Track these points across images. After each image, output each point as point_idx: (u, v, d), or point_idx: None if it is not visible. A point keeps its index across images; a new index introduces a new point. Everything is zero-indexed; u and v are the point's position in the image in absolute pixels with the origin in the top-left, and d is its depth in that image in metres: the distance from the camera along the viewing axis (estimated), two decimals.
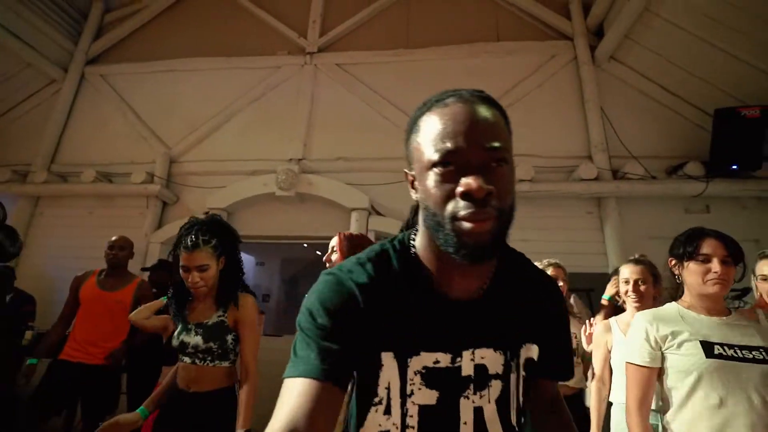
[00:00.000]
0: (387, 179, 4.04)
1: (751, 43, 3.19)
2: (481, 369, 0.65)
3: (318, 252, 1.85)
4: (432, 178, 0.58)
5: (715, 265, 1.26)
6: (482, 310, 0.66)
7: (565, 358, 0.79)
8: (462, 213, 0.54)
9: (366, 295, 0.63)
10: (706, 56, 3.50)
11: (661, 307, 1.40)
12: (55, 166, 4.65)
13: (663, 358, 1.29)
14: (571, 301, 2.71)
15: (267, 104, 4.59)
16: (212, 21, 5.12)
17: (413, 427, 0.63)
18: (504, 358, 0.66)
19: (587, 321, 2.29)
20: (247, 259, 6.68)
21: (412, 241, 0.70)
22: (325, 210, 4.10)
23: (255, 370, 1.62)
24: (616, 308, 2.26)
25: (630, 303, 1.94)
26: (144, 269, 3.38)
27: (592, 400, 1.95)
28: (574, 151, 3.94)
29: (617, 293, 2.11)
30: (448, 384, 0.64)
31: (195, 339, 1.59)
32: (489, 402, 0.65)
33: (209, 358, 1.59)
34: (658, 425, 1.56)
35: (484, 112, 0.59)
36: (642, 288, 1.92)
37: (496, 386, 0.66)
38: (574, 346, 2.28)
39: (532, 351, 0.70)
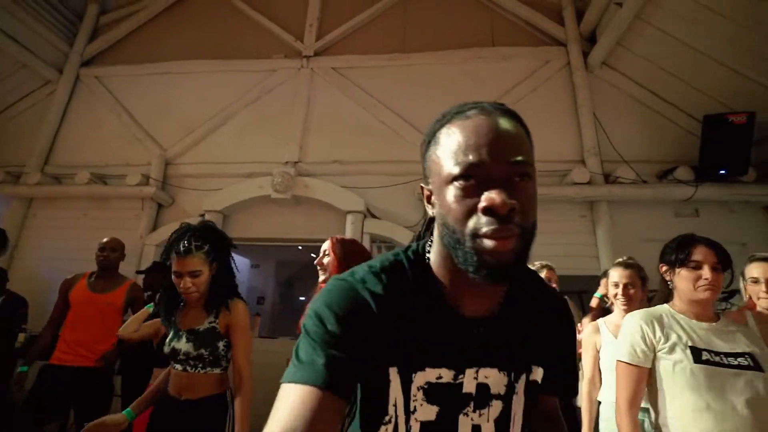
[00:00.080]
0: (382, 182, 4.07)
1: (739, 51, 3.26)
2: (483, 388, 0.63)
3: (313, 255, 1.87)
4: (452, 192, 0.55)
5: (706, 272, 1.29)
6: (492, 329, 0.64)
7: (571, 377, 0.78)
8: (484, 230, 0.51)
9: (380, 306, 0.60)
10: (695, 63, 3.57)
11: (653, 308, 1.42)
12: (48, 167, 4.63)
13: (654, 360, 1.32)
14: None
15: (263, 107, 4.60)
16: (208, 24, 5.14)
17: None
18: (508, 379, 0.65)
19: (578, 325, 2.33)
20: (243, 262, 6.68)
21: (427, 254, 0.67)
22: (321, 213, 4.12)
23: (248, 375, 1.61)
24: (603, 310, 2.30)
25: (619, 306, 1.97)
26: (139, 272, 3.38)
27: (583, 401, 1.98)
28: (567, 156, 3.99)
29: (606, 294, 2.16)
30: (449, 400, 0.62)
31: (186, 346, 1.57)
32: (488, 421, 0.64)
33: (200, 365, 1.57)
34: (644, 420, 1.60)
35: (507, 124, 0.56)
36: (631, 291, 1.96)
37: (496, 406, 0.64)
38: None
39: (537, 374, 0.68)
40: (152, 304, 2.02)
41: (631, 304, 1.94)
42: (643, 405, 1.39)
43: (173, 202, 4.36)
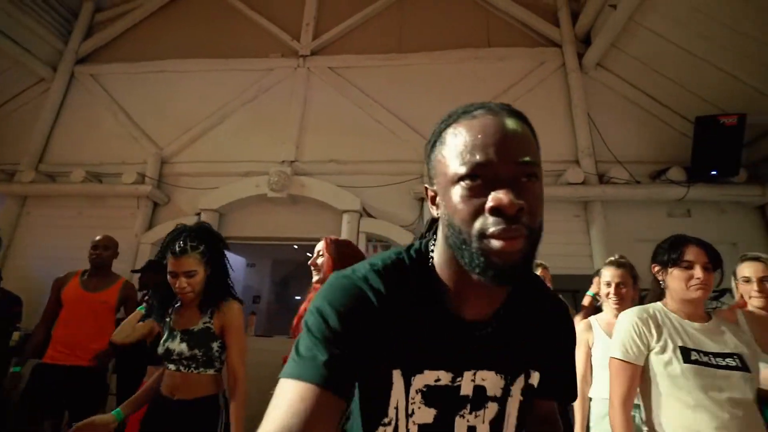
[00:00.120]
0: (378, 182, 4.09)
1: (730, 54, 3.31)
2: (479, 390, 0.63)
3: (309, 254, 1.88)
4: (458, 192, 0.54)
5: (698, 272, 1.32)
6: (492, 332, 0.64)
7: (570, 382, 0.77)
8: (491, 230, 0.50)
9: (382, 304, 0.60)
10: (688, 65, 3.62)
11: (648, 306, 1.45)
12: (43, 165, 4.60)
13: (647, 357, 1.34)
14: None
15: (260, 106, 4.61)
16: (205, 22, 5.12)
17: None
18: (504, 382, 0.65)
19: None
20: (239, 261, 6.67)
21: (430, 253, 0.66)
22: (317, 212, 4.13)
23: (243, 377, 1.61)
24: (595, 309, 2.33)
25: (610, 305, 2.00)
26: (134, 271, 3.36)
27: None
28: (561, 156, 4.03)
29: (598, 293, 2.19)
30: (446, 402, 0.62)
31: (180, 346, 1.58)
32: (483, 422, 0.64)
33: (194, 365, 1.57)
34: (635, 415, 1.63)
35: (514, 125, 0.55)
36: (623, 290, 1.99)
37: (492, 408, 0.64)
38: None
39: (533, 378, 0.67)
40: (144, 306, 2.02)
41: (622, 303, 1.97)
42: (635, 401, 1.42)
43: (169, 200, 4.35)
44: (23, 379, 2.45)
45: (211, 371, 1.61)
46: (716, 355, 1.27)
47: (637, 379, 1.35)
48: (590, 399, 1.97)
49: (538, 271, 2.52)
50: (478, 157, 0.52)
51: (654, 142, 4.00)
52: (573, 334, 0.77)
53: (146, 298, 2.08)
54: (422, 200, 3.94)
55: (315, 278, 1.97)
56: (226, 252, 1.80)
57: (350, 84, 4.54)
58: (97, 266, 2.60)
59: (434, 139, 0.61)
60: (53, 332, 2.50)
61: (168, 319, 1.67)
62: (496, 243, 0.50)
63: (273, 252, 6.76)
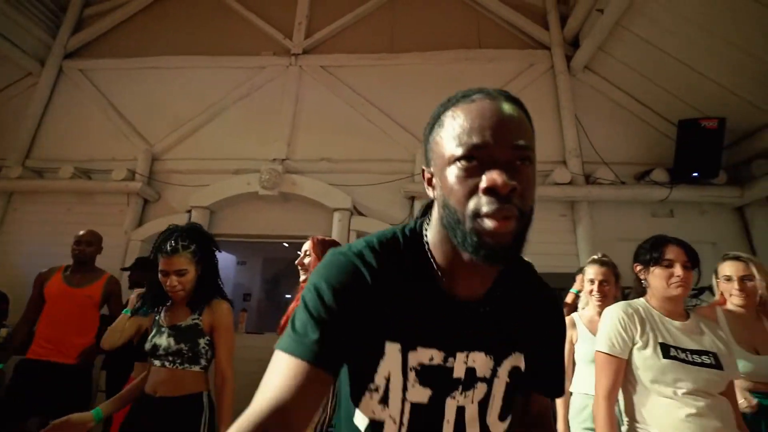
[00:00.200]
0: (369, 180, 4.12)
1: (712, 60, 3.40)
2: (470, 372, 0.64)
3: (299, 252, 1.89)
4: (454, 173, 0.55)
5: (678, 270, 1.38)
6: (482, 313, 0.65)
7: (557, 375, 0.77)
8: (484, 209, 0.52)
9: (375, 280, 0.61)
10: (672, 70, 3.71)
11: (632, 301, 1.50)
12: (30, 161, 4.54)
13: (630, 352, 1.40)
14: None
15: (251, 104, 4.60)
16: (197, 19, 5.09)
17: (404, 424, 0.63)
18: (493, 363, 0.66)
19: None
20: (229, 259, 6.65)
21: (424, 232, 0.68)
22: (308, 210, 4.15)
23: (231, 376, 1.63)
24: (575, 307, 2.40)
25: (593, 302, 2.07)
26: (124, 269, 3.35)
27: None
28: (549, 156, 4.09)
29: (581, 290, 2.25)
30: (441, 384, 0.63)
31: (167, 341, 1.58)
32: (472, 402, 0.65)
33: (179, 361, 1.58)
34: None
35: (510, 109, 0.57)
36: (606, 288, 2.05)
37: (481, 389, 0.65)
38: None
39: (519, 360, 0.68)
40: (128, 309, 2.02)
41: (605, 300, 2.03)
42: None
43: (159, 197, 4.33)
44: (6, 376, 2.44)
45: (196, 368, 1.61)
46: (693, 352, 1.33)
47: (622, 373, 1.40)
48: (582, 395, 2.02)
49: None
50: (474, 139, 0.54)
51: (639, 144, 4.10)
52: (563, 326, 0.77)
53: (140, 296, 2.08)
54: (413, 199, 3.98)
55: (302, 277, 1.99)
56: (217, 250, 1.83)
57: (342, 83, 4.56)
58: (81, 262, 2.58)
59: (433, 122, 0.63)
60: (37, 328, 2.48)
61: (157, 317, 1.68)
62: (489, 223, 0.52)
63: (264, 250, 6.76)
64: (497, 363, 0.66)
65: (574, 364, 2.07)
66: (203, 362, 1.63)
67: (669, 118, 3.98)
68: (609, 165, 3.94)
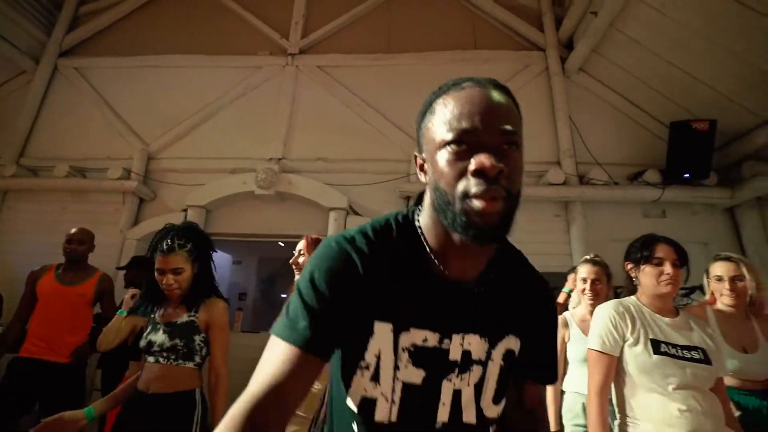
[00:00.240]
0: (365, 180, 4.14)
1: (703, 63, 3.46)
2: (466, 354, 0.65)
3: (294, 252, 1.91)
4: (444, 156, 0.58)
5: (668, 268, 1.42)
6: (475, 294, 0.66)
7: (549, 361, 0.78)
8: (473, 190, 0.54)
9: (366, 264, 0.63)
10: (663, 72, 3.76)
11: (623, 299, 1.54)
12: (24, 159, 4.52)
13: (621, 349, 1.43)
14: None
15: (248, 103, 4.60)
16: (193, 18, 5.09)
17: (395, 402, 0.63)
18: (488, 345, 0.66)
19: None
20: (225, 258, 6.65)
21: (417, 215, 0.70)
22: (304, 209, 4.16)
23: (225, 374, 1.64)
24: (567, 306, 2.44)
25: (585, 300, 2.10)
26: (119, 268, 3.35)
27: (548, 391, 2.10)
28: (543, 157, 4.14)
29: (573, 289, 2.29)
30: (435, 365, 0.64)
31: (162, 337, 1.59)
32: (468, 385, 0.66)
33: (173, 357, 1.58)
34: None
35: (499, 96, 0.59)
36: (598, 287, 2.09)
37: (476, 371, 0.66)
38: None
39: (512, 343, 0.69)
40: (123, 310, 2.02)
41: (597, 299, 2.06)
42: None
43: (155, 196, 4.32)
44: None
45: (190, 365, 1.61)
46: (683, 347, 1.37)
47: (613, 369, 1.43)
48: (563, 392, 2.05)
49: None
50: (464, 124, 0.57)
51: (632, 145, 4.15)
52: (555, 313, 0.79)
53: (135, 296, 2.08)
54: (408, 199, 4.00)
55: (297, 277, 2.01)
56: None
57: (338, 83, 4.58)
58: (72, 260, 2.56)
59: (425, 110, 0.65)
60: (29, 326, 2.47)
61: (153, 315, 1.69)
62: (477, 203, 0.54)
63: (259, 249, 6.76)
64: (491, 346, 0.67)
65: (566, 363, 2.10)
66: (197, 359, 1.64)
67: (661, 120, 4.03)
68: (602, 166, 3.98)
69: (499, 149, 0.56)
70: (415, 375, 0.63)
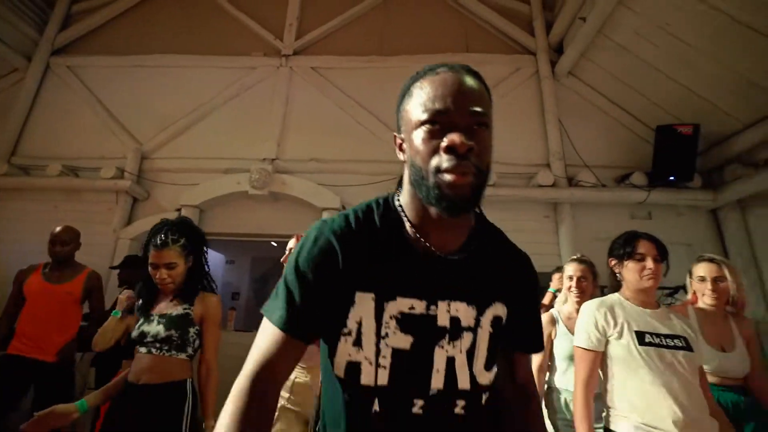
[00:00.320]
0: (358, 181, 4.18)
1: (688, 69, 3.55)
2: (455, 321, 0.68)
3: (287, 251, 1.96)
4: (420, 135, 0.63)
5: (649, 263, 1.48)
6: (458, 264, 0.70)
7: (534, 329, 0.81)
8: (445, 165, 0.59)
9: (345, 244, 0.68)
10: (650, 77, 3.85)
11: (605, 297, 1.60)
12: (16, 158, 4.49)
13: (606, 344, 1.49)
14: None
15: (242, 104, 4.62)
16: (188, 18, 5.09)
17: (385, 367, 0.66)
18: (475, 312, 0.69)
19: None
20: (218, 258, 6.65)
21: (397, 197, 0.75)
22: (297, 209, 4.19)
23: (215, 366, 1.68)
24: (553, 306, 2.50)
25: (572, 297, 2.16)
26: (112, 268, 3.35)
27: (534, 360, 2.14)
28: (533, 159, 4.21)
29: (560, 289, 2.35)
30: (423, 331, 0.67)
31: (156, 328, 1.61)
32: (460, 352, 0.68)
33: (167, 348, 1.60)
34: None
35: (470, 81, 0.65)
36: (584, 284, 2.15)
37: (467, 338, 0.68)
38: None
39: (500, 310, 0.72)
40: (118, 311, 2.04)
41: (583, 296, 2.12)
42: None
43: (149, 196, 4.33)
44: None
45: (182, 356, 1.64)
46: (666, 336, 1.43)
47: (598, 364, 1.50)
48: (557, 389, 2.09)
49: None
50: (437, 105, 0.62)
51: (619, 148, 4.23)
52: (537, 284, 0.82)
53: (130, 298, 2.09)
54: None
55: None
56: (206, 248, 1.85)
57: (332, 84, 4.62)
58: (58, 261, 2.54)
59: (403, 93, 0.71)
60: (17, 325, 2.46)
61: (146, 307, 1.71)
62: (448, 176, 0.60)
63: (252, 249, 6.77)
64: (479, 313, 0.70)
65: (552, 359, 2.16)
66: (190, 350, 1.67)
67: (648, 124, 4.12)
68: (591, 168, 4.06)
69: (469, 129, 0.61)
70: (404, 341, 0.66)
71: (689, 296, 2.05)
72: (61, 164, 4.23)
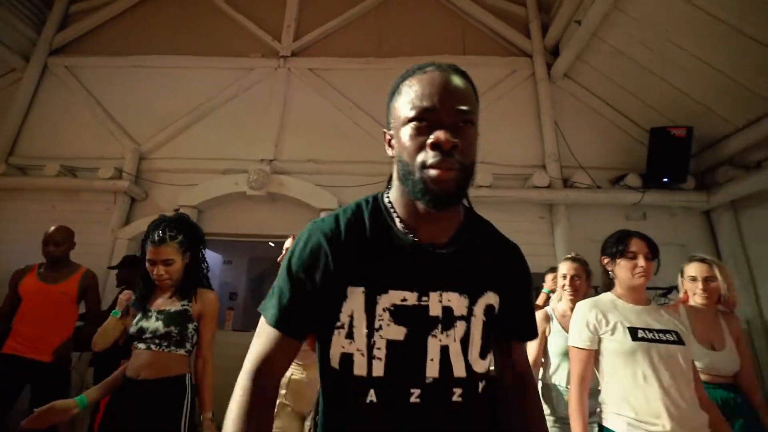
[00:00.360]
0: (355, 182, 4.21)
1: (681, 72, 3.59)
2: (447, 311, 0.69)
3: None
4: (407, 132, 0.66)
5: (641, 261, 1.53)
6: (448, 256, 0.71)
7: (527, 317, 0.83)
8: (430, 161, 0.62)
9: (335, 243, 0.70)
10: (644, 80, 3.89)
11: (598, 297, 1.64)
12: (14, 158, 4.49)
13: (599, 342, 1.53)
14: None
15: (240, 105, 4.64)
16: (186, 19, 5.11)
17: (380, 359, 0.67)
18: (468, 302, 0.71)
19: None
20: (215, 258, 6.66)
21: (386, 194, 0.78)
22: (295, 210, 4.21)
23: (211, 359, 1.71)
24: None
25: (566, 296, 2.20)
26: (111, 268, 3.37)
27: (529, 348, 2.18)
28: (529, 161, 4.24)
29: (553, 289, 2.39)
30: (416, 322, 0.68)
31: (155, 324, 1.62)
32: (454, 341, 0.69)
33: (166, 344, 1.62)
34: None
35: (457, 80, 0.67)
36: (577, 282, 2.19)
37: (460, 327, 0.70)
38: None
39: (492, 299, 0.74)
40: (117, 311, 2.06)
41: (577, 294, 2.16)
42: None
43: (147, 196, 4.34)
44: None
45: (181, 351, 1.65)
46: (658, 331, 1.47)
47: (592, 362, 1.54)
48: (551, 386, 2.13)
49: None
50: (424, 103, 0.65)
51: (614, 150, 4.27)
52: (528, 271, 0.84)
53: (129, 299, 2.11)
54: None
55: None
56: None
57: (330, 86, 4.64)
58: (52, 261, 2.54)
59: (393, 91, 0.74)
60: (14, 325, 2.47)
61: (143, 302, 1.72)
62: (433, 172, 0.62)
63: (249, 249, 6.79)
64: (472, 302, 0.71)
65: (546, 356, 2.19)
66: (188, 346, 1.69)
67: (642, 126, 4.16)
68: (586, 169, 4.10)
69: (455, 126, 0.64)
70: (398, 332, 0.68)
71: (680, 295, 2.09)
72: (59, 164, 4.23)
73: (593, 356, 1.54)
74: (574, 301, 2.12)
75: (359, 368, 0.68)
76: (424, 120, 0.65)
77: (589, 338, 1.54)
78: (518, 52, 4.74)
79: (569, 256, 2.31)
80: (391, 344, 0.68)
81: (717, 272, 1.93)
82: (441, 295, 0.70)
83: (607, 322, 1.53)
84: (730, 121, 3.55)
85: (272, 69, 4.75)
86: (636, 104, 4.16)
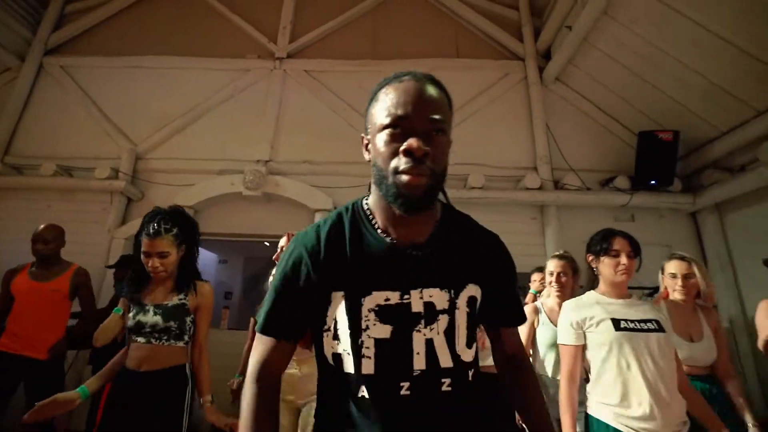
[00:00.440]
0: (350, 183, 4.26)
1: (668, 77, 3.68)
2: (429, 306, 0.72)
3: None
4: (382, 138, 0.69)
5: (624, 259, 1.60)
6: (426, 254, 0.74)
7: (514, 303, 0.86)
8: (402, 167, 0.65)
9: (315, 252, 0.75)
10: (633, 84, 3.97)
11: (582, 296, 1.73)
12: (9, 157, 4.49)
13: (585, 337, 1.61)
14: None
15: (236, 106, 4.67)
16: (182, 20, 5.13)
17: (370, 357, 0.71)
18: (449, 295, 0.73)
19: None
20: (211, 257, 6.68)
21: (365, 200, 0.82)
22: (290, 210, 4.26)
23: (206, 348, 1.76)
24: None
25: (553, 292, 2.28)
26: (108, 267, 3.39)
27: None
28: (521, 163, 4.32)
29: (540, 290, 2.47)
30: (400, 319, 0.71)
31: (154, 318, 1.65)
32: (438, 333, 0.72)
33: (165, 337, 1.66)
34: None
35: (431, 90, 0.71)
36: (563, 279, 2.27)
37: (443, 320, 0.73)
38: None
39: (473, 291, 0.76)
40: (120, 308, 2.10)
41: (563, 290, 2.24)
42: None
43: (143, 196, 4.36)
44: None
45: (180, 343, 1.70)
46: (640, 321, 1.55)
47: (580, 357, 1.62)
48: (541, 375, 2.20)
49: None
50: (399, 111, 0.68)
51: (603, 152, 4.36)
52: (510, 260, 0.87)
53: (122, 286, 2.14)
54: None
55: None
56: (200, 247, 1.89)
57: (325, 87, 4.68)
58: (42, 260, 2.56)
59: (371, 98, 0.78)
60: (8, 324, 2.49)
61: (137, 295, 1.74)
62: (404, 177, 0.66)
63: (245, 249, 6.81)
64: (455, 296, 0.74)
65: (535, 347, 2.28)
66: (186, 338, 1.73)
67: (630, 129, 4.25)
68: (576, 172, 4.18)
69: (428, 134, 0.68)
70: (384, 331, 0.71)
71: (661, 291, 2.18)
72: (55, 164, 4.24)
73: (581, 351, 1.62)
74: (560, 297, 2.21)
75: (348, 367, 0.73)
76: (398, 127, 0.68)
77: (576, 334, 1.62)
78: (511, 55, 4.81)
79: (557, 253, 2.40)
80: (378, 342, 0.71)
81: (695, 269, 2.02)
82: (422, 292, 0.73)
83: (591, 317, 1.61)
84: (716, 125, 3.65)
85: (268, 70, 4.79)
86: (625, 108, 4.25)
